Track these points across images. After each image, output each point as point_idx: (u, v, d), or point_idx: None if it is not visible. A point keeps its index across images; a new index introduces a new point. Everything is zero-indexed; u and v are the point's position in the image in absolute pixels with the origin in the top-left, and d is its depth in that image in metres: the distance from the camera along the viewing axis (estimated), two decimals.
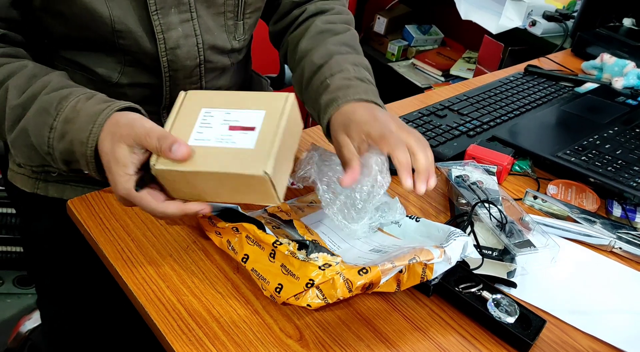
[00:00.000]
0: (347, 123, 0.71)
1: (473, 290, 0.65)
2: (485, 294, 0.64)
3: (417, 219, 0.73)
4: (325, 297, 0.59)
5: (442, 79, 2.22)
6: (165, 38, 0.78)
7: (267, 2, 0.89)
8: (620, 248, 0.78)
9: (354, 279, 0.59)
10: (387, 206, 0.74)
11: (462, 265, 0.68)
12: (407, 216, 0.74)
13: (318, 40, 0.85)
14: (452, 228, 0.67)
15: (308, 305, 0.60)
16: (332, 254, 0.62)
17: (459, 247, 0.62)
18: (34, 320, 1.45)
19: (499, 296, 0.64)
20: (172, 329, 0.59)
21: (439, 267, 0.62)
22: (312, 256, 0.62)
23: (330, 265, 0.60)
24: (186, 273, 0.66)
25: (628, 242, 0.78)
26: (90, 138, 0.63)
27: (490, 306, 0.63)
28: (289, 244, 0.63)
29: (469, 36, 2.29)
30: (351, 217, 0.68)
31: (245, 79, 1.03)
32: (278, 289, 0.61)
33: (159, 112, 0.87)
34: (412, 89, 2.21)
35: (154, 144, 0.60)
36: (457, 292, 0.65)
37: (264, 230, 0.64)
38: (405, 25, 2.42)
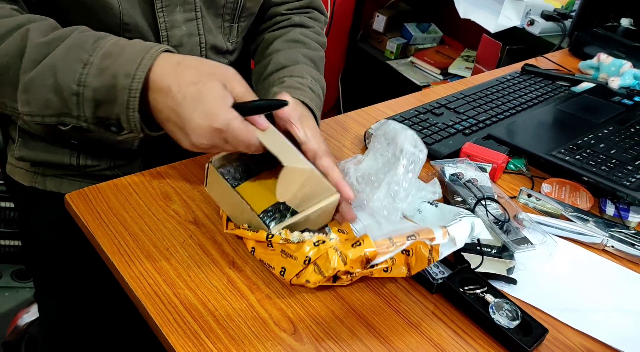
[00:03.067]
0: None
1: (477, 292, 0.65)
2: (489, 297, 0.64)
3: (436, 205, 0.73)
4: (322, 271, 0.61)
5: (441, 77, 2.23)
6: (169, 35, 0.79)
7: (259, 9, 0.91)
8: (612, 246, 0.79)
9: (347, 252, 0.60)
10: (424, 186, 0.74)
11: (468, 266, 0.69)
12: (428, 202, 0.74)
13: (290, 46, 0.90)
14: (462, 210, 0.67)
15: (307, 281, 0.62)
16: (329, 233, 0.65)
17: (464, 227, 0.63)
18: (31, 313, 1.46)
19: (501, 300, 0.64)
20: (168, 322, 0.60)
21: (445, 249, 0.62)
22: (305, 234, 0.63)
23: (324, 241, 0.62)
24: (182, 267, 0.67)
25: (620, 240, 0.79)
26: (140, 69, 0.60)
27: (492, 309, 0.64)
28: (279, 233, 0.64)
29: (467, 35, 2.30)
30: (399, 197, 0.69)
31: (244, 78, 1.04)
32: (282, 272, 0.63)
33: None
34: (411, 87, 2.21)
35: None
36: (460, 293, 0.65)
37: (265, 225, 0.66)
38: (405, 24, 2.43)
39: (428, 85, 2.18)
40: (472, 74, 2.00)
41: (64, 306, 0.90)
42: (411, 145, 0.68)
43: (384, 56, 2.41)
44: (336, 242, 0.61)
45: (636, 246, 0.79)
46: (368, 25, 2.48)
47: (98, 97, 0.62)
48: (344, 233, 0.70)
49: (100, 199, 0.75)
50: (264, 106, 0.66)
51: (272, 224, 0.65)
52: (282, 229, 0.65)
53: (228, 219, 0.71)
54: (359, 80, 2.47)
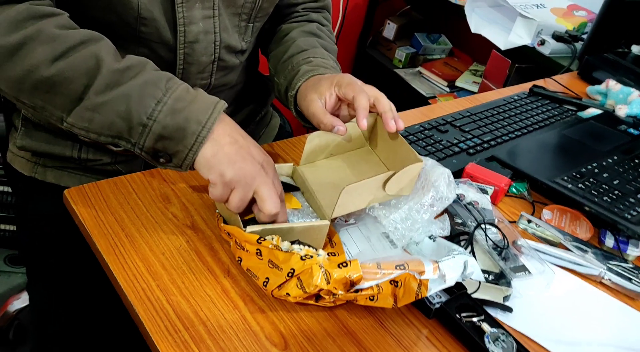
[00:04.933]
0: (318, 82, 0.81)
1: (474, 320, 0.65)
2: (485, 326, 0.64)
3: (434, 239, 0.73)
4: (304, 286, 0.60)
5: (447, 89, 2.23)
6: (186, 31, 0.79)
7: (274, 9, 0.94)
8: (609, 280, 0.79)
9: (332, 271, 0.60)
10: (434, 220, 0.74)
11: (466, 292, 0.68)
12: (428, 236, 0.73)
13: (308, 36, 0.95)
14: (456, 246, 0.67)
15: (287, 293, 0.61)
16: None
17: (457, 265, 0.62)
18: (22, 300, 1.45)
19: (497, 330, 0.64)
20: (159, 330, 0.60)
21: (434, 285, 0.62)
22: (295, 246, 0.63)
23: (312, 256, 0.61)
24: (177, 273, 0.67)
25: (618, 274, 0.79)
26: (210, 121, 0.67)
27: (487, 339, 0.63)
28: (272, 238, 0.64)
29: (477, 49, 2.29)
30: (414, 228, 0.70)
31: (251, 78, 1.03)
32: (265, 283, 0.63)
33: None
34: (417, 98, 2.21)
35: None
36: (457, 320, 0.64)
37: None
38: (415, 33, 2.42)
39: (434, 97, 2.17)
40: (479, 90, 2.00)
41: (56, 300, 0.90)
42: (445, 182, 0.70)
43: (392, 64, 2.41)
44: (323, 259, 0.60)
45: (633, 281, 0.78)
46: (378, 32, 2.48)
47: (164, 133, 0.67)
48: (335, 256, 0.70)
49: (99, 196, 0.75)
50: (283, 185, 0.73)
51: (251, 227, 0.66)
52: (269, 236, 0.64)
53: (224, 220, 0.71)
54: None
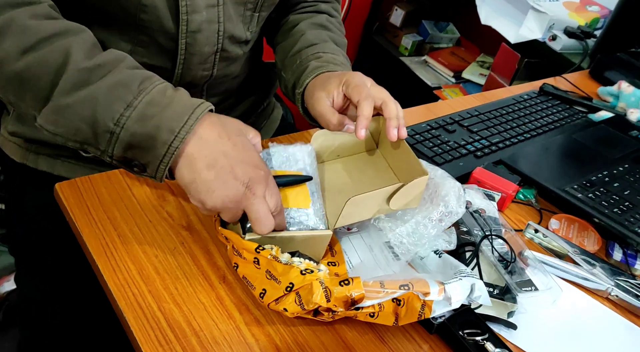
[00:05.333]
0: (326, 80, 0.77)
1: (477, 338, 0.62)
2: (489, 346, 0.61)
3: (440, 255, 0.69)
4: (302, 303, 0.58)
5: (453, 80, 2.18)
6: (188, 20, 0.75)
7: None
8: (616, 296, 0.76)
9: (333, 289, 0.57)
10: (441, 233, 0.72)
11: (470, 308, 0.65)
12: (433, 251, 0.70)
13: (318, 29, 0.91)
14: (463, 266, 0.64)
15: (285, 309, 0.58)
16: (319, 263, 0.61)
17: (464, 288, 0.59)
18: (12, 282, 1.43)
19: (501, 350, 0.61)
20: (149, 339, 0.57)
21: (438, 307, 0.59)
22: (295, 259, 0.60)
23: (312, 271, 0.58)
24: (170, 278, 0.64)
25: (625, 290, 0.77)
26: (183, 129, 0.59)
27: None
28: (271, 248, 0.61)
29: (485, 40, 2.25)
30: (420, 243, 0.67)
31: (254, 69, 0.99)
32: (262, 294, 0.60)
33: None
34: (422, 88, 2.17)
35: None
36: (460, 337, 0.62)
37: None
38: (423, 20, 2.37)
39: (439, 88, 2.13)
40: (486, 83, 1.96)
41: (47, 292, 0.87)
42: (455, 196, 0.67)
43: (398, 51, 2.36)
44: (324, 275, 0.57)
45: None
46: (385, 18, 2.42)
47: (133, 142, 0.60)
48: (335, 266, 0.67)
49: (92, 191, 0.72)
50: (291, 182, 0.68)
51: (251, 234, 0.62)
52: (268, 246, 0.61)
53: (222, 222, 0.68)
54: (370, 73, 2.39)
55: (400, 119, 0.73)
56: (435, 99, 2.10)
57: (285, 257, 0.60)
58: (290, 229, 0.65)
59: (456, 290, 0.58)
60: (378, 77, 2.62)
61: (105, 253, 0.65)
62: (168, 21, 0.74)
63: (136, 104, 0.60)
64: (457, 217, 0.67)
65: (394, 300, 0.58)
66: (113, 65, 0.62)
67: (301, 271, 0.58)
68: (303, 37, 0.88)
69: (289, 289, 0.58)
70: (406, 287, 0.57)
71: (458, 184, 0.68)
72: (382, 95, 0.73)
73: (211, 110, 0.64)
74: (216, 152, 0.61)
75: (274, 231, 0.62)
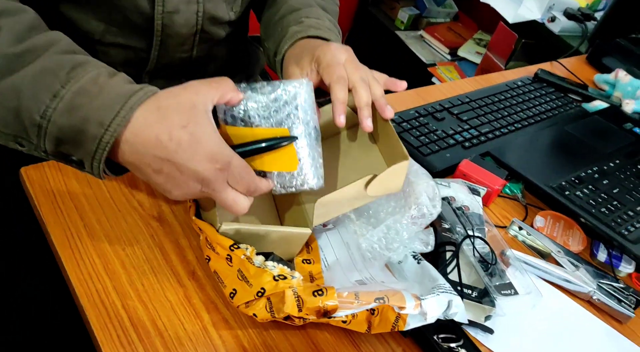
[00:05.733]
0: (300, 53, 0.71)
1: (452, 345, 0.60)
2: None
3: (419, 261, 0.66)
4: (273, 311, 0.55)
5: (449, 57, 2.14)
6: (164, 1, 0.71)
7: None
8: (598, 299, 0.75)
9: (306, 298, 0.55)
10: (420, 235, 0.69)
11: None
12: (412, 254, 0.67)
13: None
14: (441, 280, 0.61)
15: (254, 314, 0.56)
16: (293, 270, 0.59)
17: (440, 304, 0.57)
18: None
19: None
20: (111, 339, 0.55)
21: (413, 321, 0.57)
22: (269, 263, 0.58)
23: (285, 277, 0.56)
24: (137, 273, 0.61)
25: (608, 294, 0.75)
26: (115, 121, 0.52)
27: None
28: (246, 248, 0.58)
29: (483, 16, 2.19)
30: (392, 247, 0.64)
31: (239, 48, 0.95)
32: (232, 295, 0.58)
33: (140, 75, 0.80)
34: (416, 64, 2.12)
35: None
36: (433, 342, 0.60)
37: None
38: None
39: (434, 65, 2.08)
40: (481, 62, 1.92)
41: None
42: (428, 197, 0.63)
43: (393, 25, 2.30)
44: (298, 282, 0.55)
45: (623, 303, 0.74)
46: None
47: (62, 136, 0.54)
48: (310, 263, 0.64)
49: (59, 178, 0.69)
50: (269, 147, 0.59)
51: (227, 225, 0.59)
52: (244, 245, 0.59)
53: (197, 208, 0.65)
54: (364, 46, 2.34)
55: (378, 100, 0.67)
56: (429, 76, 2.06)
57: (259, 260, 0.58)
58: (278, 190, 0.60)
59: (432, 306, 0.56)
60: (372, 52, 2.57)
61: (69, 245, 0.62)
62: (143, 1, 0.70)
63: (63, 93, 0.53)
64: (432, 218, 0.64)
65: (369, 309, 0.56)
66: (44, 49, 0.55)
67: (274, 277, 0.55)
68: (286, 3, 0.82)
69: (260, 294, 0.55)
70: (382, 300, 0.55)
71: (432, 183, 0.65)
72: (354, 77, 0.66)
73: (154, 94, 0.56)
74: (157, 159, 0.54)
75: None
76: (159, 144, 0.53)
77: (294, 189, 0.60)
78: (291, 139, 0.59)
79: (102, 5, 0.70)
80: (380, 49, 2.29)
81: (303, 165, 0.60)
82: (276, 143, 0.59)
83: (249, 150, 0.58)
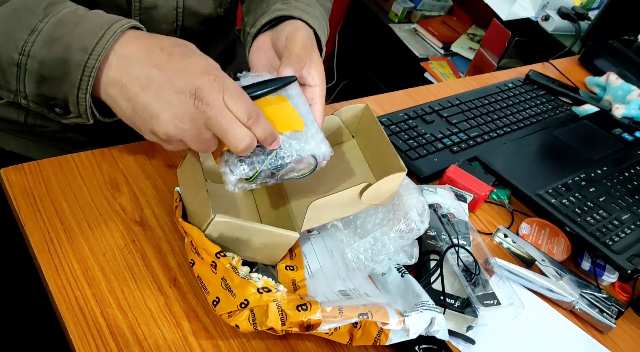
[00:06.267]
0: (280, 33, 0.66)
1: None
2: None
3: (403, 274, 0.66)
4: (256, 323, 0.55)
5: (442, 52, 2.13)
6: None
7: None
8: (579, 309, 0.75)
9: (290, 313, 0.54)
10: (405, 247, 0.69)
11: None
12: (395, 267, 0.67)
13: None
14: (425, 296, 0.60)
15: (237, 325, 0.56)
16: (278, 282, 0.58)
17: (423, 320, 0.57)
18: None
19: None
20: (89, 348, 0.54)
21: (395, 336, 0.57)
22: (254, 275, 0.57)
23: (269, 290, 0.55)
24: (117, 279, 0.61)
25: (590, 304, 0.75)
26: (99, 44, 0.50)
27: None
28: (232, 257, 0.58)
29: (478, 10, 2.18)
30: (377, 259, 0.64)
31: (226, 44, 0.94)
32: (215, 303, 0.57)
33: None
34: (409, 58, 2.11)
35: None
36: None
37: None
38: None
39: (427, 60, 2.07)
40: (474, 58, 1.91)
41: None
42: (417, 213, 0.63)
43: (387, 17, 2.28)
44: (282, 296, 0.55)
45: (604, 313, 0.74)
46: None
47: (43, 72, 0.52)
48: (293, 270, 0.64)
49: (40, 179, 0.68)
50: (267, 91, 0.57)
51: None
52: (230, 254, 0.58)
53: (184, 210, 0.64)
54: (357, 38, 2.34)
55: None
56: (422, 71, 2.05)
57: (244, 270, 0.57)
58: (286, 160, 0.57)
59: (415, 322, 0.56)
60: (365, 44, 2.55)
61: (48, 250, 0.61)
62: None
63: (41, 27, 0.52)
64: (419, 233, 0.64)
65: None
66: None
67: (258, 289, 0.55)
68: None
69: (243, 305, 0.55)
70: (365, 316, 0.54)
71: (422, 198, 0.65)
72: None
73: (138, 29, 0.56)
74: (147, 68, 0.51)
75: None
76: (149, 55, 0.52)
77: (302, 152, 0.57)
78: (291, 78, 0.59)
79: (79, 1, 0.68)
80: (373, 42, 2.28)
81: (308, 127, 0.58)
82: (278, 85, 0.58)
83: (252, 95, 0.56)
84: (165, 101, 0.51)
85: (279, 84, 0.59)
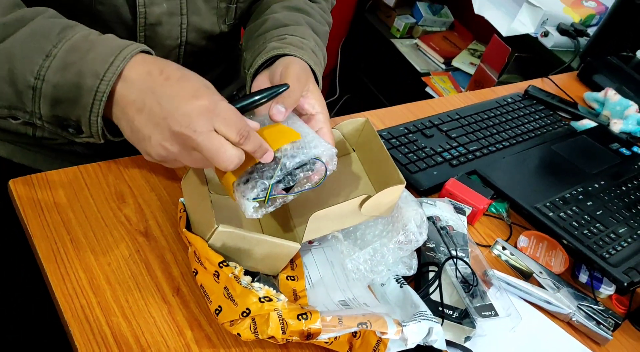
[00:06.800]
0: (275, 70, 0.69)
1: None
2: None
3: (402, 285, 0.67)
4: (257, 332, 0.56)
5: (443, 67, 2.15)
6: (147, 12, 0.71)
7: None
8: (576, 321, 0.76)
9: (290, 322, 0.56)
10: (404, 258, 0.70)
11: None
12: (394, 278, 0.68)
13: (292, 12, 0.81)
14: (423, 307, 0.62)
15: (238, 334, 0.57)
16: (279, 291, 0.60)
17: (421, 330, 0.58)
18: None
19: None
20: None
21: (394, 346, 0.58)
22: (256, 284, 0.59)
23: (271, 299, 0.57)
24: (121, 288, 0.62)
25: (587, 316, 0.76)
26: (110, 71, 0.53)
27: None
28: (235, 267, 0.59)
29: (479, 26, 2.20)
30: (377, 270, 0.65)
31: (230, 59, 0.96)
32: (217, 311, 0.58)
33: None
34: (411, 73, 2.13)
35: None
36: None
37: None
38: (417, 1, 2.31)
39: (428, 74, 2.10)
40: (474, 73, 1.93)
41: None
42: (416, 224, 0.64)
43: (389, 33, 2.31)
44: (283, 305, 0.56)
45: (601, 325, 0.75)
46: None
47: (57, 95, 0.55)
48: (294, 280, 0.65)
49: (47, 191, 0.69)
50: (258, 100, 0.59)
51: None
52: (233, 264, 0.60)
53: (187, 224, 0.65)
54: (359, 53, 2.37)
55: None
56: (423, 86, 2.07)
57: (246, 280, 0.58)
58: (291, 167, 0.59)
59: (413, 332, 0.58)
60: (367, 57, 2.58)
61: (55, 259, 0.63)
62: (125, 13, 0.71)
63: (55, 52, 0.54)
64: (418, 245, 0.65)
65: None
66: (31, 17, 0.56)
67: (260, 298, 0.56)
68: (273, 17, 0.79)
69: (245, 314, 0.56)
70: (364, 325, 0.56)
71: (421, 211, 0.66)
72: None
73: (148, 53, 0.58)
74: (143, 92, 0.54)
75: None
76: (147, 78, 0.54)
77: (304, 157, 0.59)
78: (284, 86, 0.61)
79: (84, 17, 0.70)
80: (375, 57, 2.30)
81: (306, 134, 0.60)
82: (271, 93, 0.60)
83: (245, 105, 0.59)
84: (154, 125, 0.54)
85: (272, 91, 0.61)
